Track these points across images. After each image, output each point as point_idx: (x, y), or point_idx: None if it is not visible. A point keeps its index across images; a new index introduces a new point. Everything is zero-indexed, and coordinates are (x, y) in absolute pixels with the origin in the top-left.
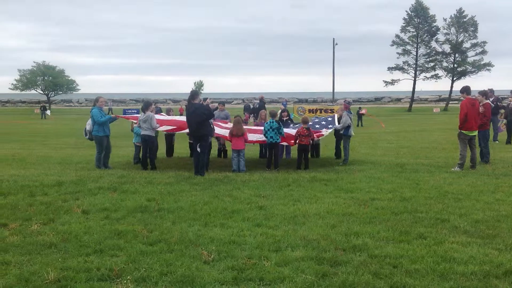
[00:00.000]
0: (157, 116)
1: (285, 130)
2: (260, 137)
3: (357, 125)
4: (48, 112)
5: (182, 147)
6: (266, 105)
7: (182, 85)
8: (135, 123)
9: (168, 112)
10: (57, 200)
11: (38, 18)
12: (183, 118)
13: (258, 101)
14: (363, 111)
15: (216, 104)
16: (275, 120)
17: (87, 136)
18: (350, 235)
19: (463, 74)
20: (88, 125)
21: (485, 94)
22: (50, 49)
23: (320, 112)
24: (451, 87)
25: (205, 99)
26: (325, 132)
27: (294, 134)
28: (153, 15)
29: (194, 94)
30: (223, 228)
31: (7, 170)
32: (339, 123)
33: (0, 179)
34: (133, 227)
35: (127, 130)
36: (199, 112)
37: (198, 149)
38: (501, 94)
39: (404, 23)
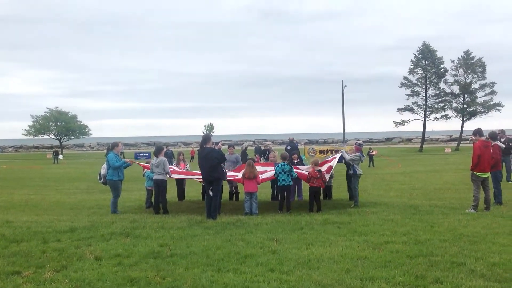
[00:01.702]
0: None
1: (296, 170)
2: (270, 174)
3: (369, 166)
4: (60, 156)
5: (193, 191)
6: (273, 147)
7: (193, 128)
8: (147, 169)
9: (179, 155)
10: (70, 247)
11: (54, 65)
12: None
13: (288, 143)
14: (373, 152)
15: (220, 144)
16: (287, 163)
17: (102, 181)
18: (366, 280)
19: (473, 114)
20: (103, 169)
21: (493, 136)
22: (65, 95)
23: (331, 153)
24: (462, 127)
25: (217, 143)
26: (333, 163)
27: (305, 173)
28: (166, 61)
29: (207, 138)
30: (237, 273)
31: (20, 216)
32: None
33: (14, 226)
34: (145, 273)
35: (138, 174)
36: (211, 156)
37: (211, 193)
38: None
39: (412, 65)
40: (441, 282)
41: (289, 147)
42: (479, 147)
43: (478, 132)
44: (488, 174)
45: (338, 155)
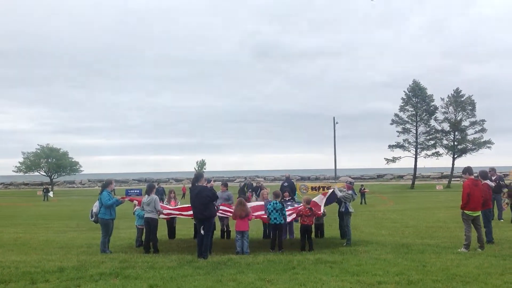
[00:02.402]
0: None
1: (287, 208)
2: (262, 213)
3: (361, 203)
4: (50, 194)
5: (184, 228)
6: (265, 184)
7: (185, 164)
8: (138, 206)
9: (170, 193)
10: (58, 287)
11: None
12: (183, 206)
13: (285, 180)
14: (366, 190)
15: (212, 182)
16: (279, 201)
17: (93, 219)
18: None
19: (463, 151)
20: (95, 207)
21: (483, 175)
22: (56, 131)
23: (323, 190)
24: (453, 164)
25: (209, 181)
26: (322, 201)
27: (294, 208)
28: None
29: (198, 176)
30: None
31: (9, 256)
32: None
33: (2, 266)
34: None
35: (128, 211)
36: (203, 194)
37: (202, 232)
38: (503, 170)
39: (402, 103)
40: None
41: (285, 184)
42: (469, 186)
43: (467, 170)
44: (479, 213)
45: (329, 191)
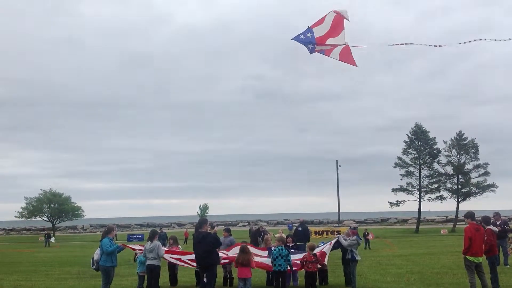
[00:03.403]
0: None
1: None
2: (266, 261)
3: (365, 248)
4: (52, 239)
5: (186, 275)
6: (271, 228)
7: (187, 208)
8: (140, 252)
9: (170, 240)
10: None
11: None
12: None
13: (299, 224)
14: (369, 236)
15: (215, 228)
16: (284, 247)
17: (94, 266)
18: None
19: (467, 195)
20: (96, 254)
21: (486, 220)
22: (58, 176)
23: (327, 234)
24: (457, 208)
25: (213, 227)
26: (327, 249)
27: (300, 258)
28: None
29: (202, 222)
30: None
31: None
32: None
33: None
34: None
35: (130, 257)
36: (206, 241)
37: (205, 279)
38: (508, 214)
39: (405, 146)
40: None
41: (300, 229)
42: (470, 230)
43: (469, 216)
44: (481, 259)
45: (333, 241)
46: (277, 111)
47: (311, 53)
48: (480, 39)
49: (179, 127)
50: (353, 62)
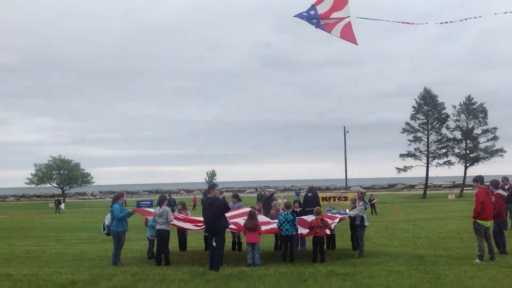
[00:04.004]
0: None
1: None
2: (273, 226)
3: (371, 213)
4: (62, 206)
5: (195, 240)
6: (279, 193)
7: (195, 175)
8: (150, 217)
9: (179, 205)
10: None
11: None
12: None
13: (308, 190)
14: (374, 201)
15: (224, 193)
16: (290, 212)
17: (105, 231)
18: None
19: (475, 160)
20: (107, 219)
21: (495, 184)
22: (67, 143)
23: (334, 200)
24: (465, 173)
25: (221, 192)
26: (336, 221)
27: (308, 221)
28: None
29: (211, 187)
30: None
31: (21, 269)
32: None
33: (14, 279)
34: None
35: (140, 222)
36: (215, 205)
37: (214, 244)
38: None
39: (413, 111)
40: None
41: (309, 194)
42: (482, 194)
43: (479, 179)
44: (489, 224)
45: (345, 216)
46: (284, 78)
47: (316, 27)
48: (461, 20)
49: (187, 95)
50: (353, 40)
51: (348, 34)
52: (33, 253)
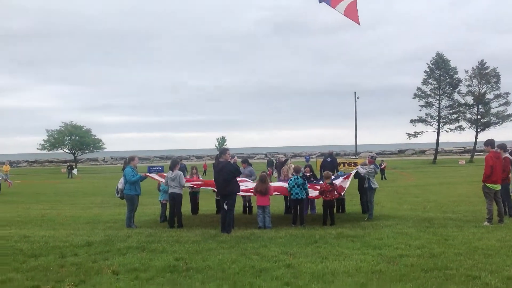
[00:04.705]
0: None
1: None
2: (283, 185)
3: (381, 179)
4: (75, 171)
5: (207, 204)
6: (290, 160)
7: (205, 141)
8: (162, 181)
9: (192, 169)
10: (87, 261)
11: (69, 80)
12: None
13: (327, 155)
14: (383, 165)
15: (235, 158)
16: (300, 176)
17: (119, 195)
18: None
19: (487, 125)
20: (121, 183)
21: (504, 147)
22: (78, 109)
23: (344, 166)
24: (476, 138)
25: (232, 157)
26: (347, 183)
27: (317, 188)
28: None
29: (223, 151)
30: (253, 287)
31: (37, 231)
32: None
33: (31, 241)
34: (162, 287)
35: (152, 187)
36: (226, 169)
37: (225, 207)
38: None
39: (425, 76)
40: None
41: (329, 159)
42: (492, 158)
43: (490, 143)
44: (499, 187)
45: (353, 172)
46: (296, 43)
47: (320, 1)
48: None
49: (198, 60)
50: (356, 19)
51: (352, 12)
52: (48, 216)
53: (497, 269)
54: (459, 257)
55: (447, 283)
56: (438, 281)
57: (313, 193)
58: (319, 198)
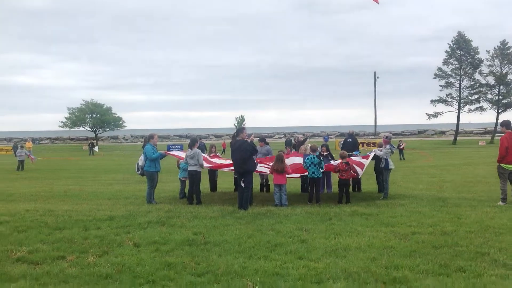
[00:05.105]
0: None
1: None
2: (299, 161)
3: (400, 159)
4: (96, 148)
5: (225, 182)
6: (309, 139)
7: (224, 120)
8: (182, 159)
9: (211, 148)
10: (109, 234)
11: (89, 58)
12: (224, 161)
13: (348, 135)
14: (402, 146)
15: (252, 137)
16: (316, 156)
17: (139, 172)
18: (391, 268)
19: (508, 106)
20: (141, 160)
21: (505, 124)
22: (99, 87)
23: (362, 146)
24: (497, 119)
25: (249, 136)
26: (366, 162)
27: (333, 166)
28: (198, 53)
29: (239, 130)
30: (267, 260)
31: (61, 205)
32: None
33: (55, 215)
34: (181, 259)
35: (171, 166)
36: (243, 148)
37: (242, 184)
38: None
39: (446, 56)
40: (464, 271)
41: (349, 140)
42: (506, 139)
43: (505, 124)
44: None
45: (371, 155)
46: (315, 22)
47: None
48: None
49: (217, 40)
50: None
51: None
52: (71, 192)
53: (506, 246)
54: (470, 235)
55: (456, 259)
56: (447, 256)
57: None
58: (332, 169)
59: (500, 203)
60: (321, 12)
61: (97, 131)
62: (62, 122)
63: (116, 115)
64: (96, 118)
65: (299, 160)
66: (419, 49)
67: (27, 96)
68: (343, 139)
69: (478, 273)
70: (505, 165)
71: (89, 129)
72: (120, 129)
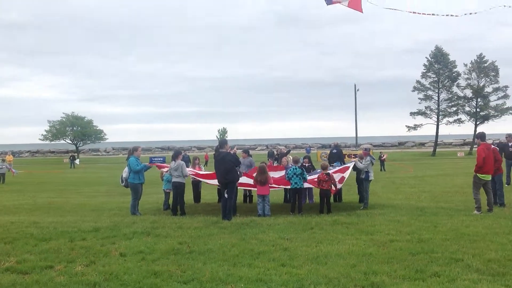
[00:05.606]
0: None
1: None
2: (282, 174)
3: (380, 170)
4: (77, 161)
5: (209, 193)
6: (291, 151)
7: (206, 133)
8: (165, 171)
9: (195, 160)
10: (95, 244)
11: (71, 71)
12: (207, 172)
13: (333, 147)
14: (383, 157)
15: (235, 148)
16: (298, 166)
17: (123, 184)
18: (369, 274)
19: (486, 118)
20: (125, 172)
21: (480, 136)
22: (80, 100)
23: (345, 158)
24: (475, 131)
25: (232, 147)
26: (346, 173)
27: (315, 179)
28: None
29: (223, 142)
30: (251, 267)
31: (46, 217)
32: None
33: (41, 226)
34: (167, 267)
35: (155, 177)
36: (226, 159)
37: (226, 195)
38: None
39: (424, 69)
40: (439, 276)
41: (334, 151)
42: (484, 150)
43: (480, 136)
44: (490, 178)
45: (351, 165)
46: (298, 35)
47: (328, 4)
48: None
49: (198, 52)
50: (359, 9)
51: (355, 3)
52: (55, 204)
53: (480, 253)
54: (445, 242)
55: (431, 265)
56: (423, 262)
57: (311, 183)
58: (314, 184)
59: (475, 212)
60: (302, 26)
61: (78, 144)
62: (42, 135)
63: (97, 128)
64: (77, 131)
65: (280, 174)
66: (398, 61)
67: (6, 108)
68: (329, 151)
69: (452, 278)
70: (481, 175)
71: (70, 142)
72: (102, 141)
